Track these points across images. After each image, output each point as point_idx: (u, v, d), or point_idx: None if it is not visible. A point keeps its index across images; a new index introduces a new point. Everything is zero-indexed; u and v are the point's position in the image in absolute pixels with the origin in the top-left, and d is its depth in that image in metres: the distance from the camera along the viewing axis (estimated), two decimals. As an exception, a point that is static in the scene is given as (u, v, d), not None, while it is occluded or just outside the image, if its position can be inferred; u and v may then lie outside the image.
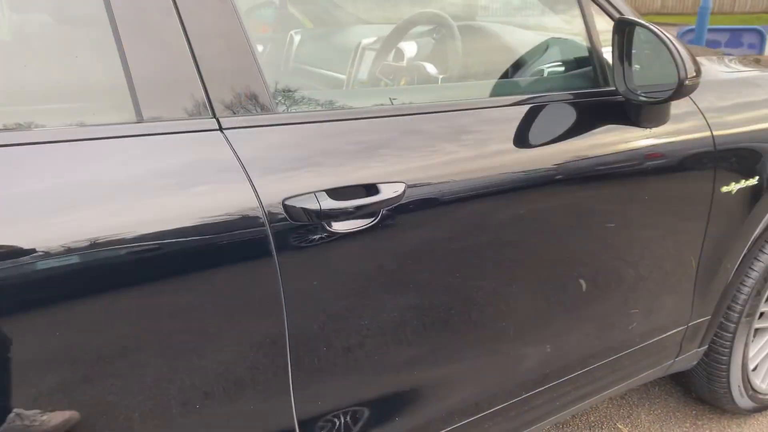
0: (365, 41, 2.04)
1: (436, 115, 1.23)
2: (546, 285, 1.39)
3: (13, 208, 0.82)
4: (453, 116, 1.25)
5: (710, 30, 12.44)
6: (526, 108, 1.34)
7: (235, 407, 1.03)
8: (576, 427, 2.06)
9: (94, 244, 0.84)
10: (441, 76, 1.65)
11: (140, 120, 0.93)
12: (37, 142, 0.87)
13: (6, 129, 0.88)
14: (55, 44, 1.01)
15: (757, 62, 2.07)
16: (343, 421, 1.15)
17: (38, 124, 0.90)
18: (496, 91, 1.48)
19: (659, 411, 2.15)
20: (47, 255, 0.81)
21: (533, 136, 1.32)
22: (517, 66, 1.55)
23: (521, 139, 1.30)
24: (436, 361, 1.26)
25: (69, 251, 0.83)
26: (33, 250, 0.81)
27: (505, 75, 1.54)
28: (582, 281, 1.45)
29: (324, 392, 1.12)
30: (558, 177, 1.31)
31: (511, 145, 1.28)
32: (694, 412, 2.14)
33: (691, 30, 11.87)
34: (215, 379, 0.99)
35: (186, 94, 0.96)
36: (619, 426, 2.08)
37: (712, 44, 12.17)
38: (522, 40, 1.65)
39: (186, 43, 0.97)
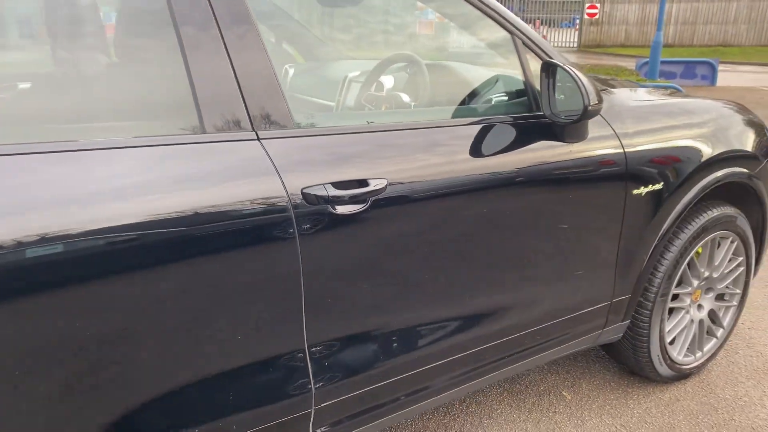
0: (351, 74, 2.48)
1: (410, 132, 1.66)
2: (497, 263, 1.82)
3: (123, 189, 1.22)
4: (424, 133, 1.68)
5: (666, 62, 13.23)
6: (479, 127, 1.77)
7: (267, 333, 1.43)
8: (528, 395, 2.48)
9: (182, 217, 1.24)
10: (413, 103, 2.08)
11: (203, 131, 1.34)
12: (137, 146, 1.28)
13: (115, 136, 1.28)
14: (146, 73, 1.43)
15: (663, 93, 2.56)
16: (337, 346, 1.55)
17: (137, 133, 1.30)
18: (456, 114, 1.92)
19: (597, 381, 2.57)
20: (150, 225, 1.21)
21: (485, 148, 1.75)
22: (473, 95, 1.99)
23: (475, 151, 1.73)
24: (405, 311, 1.66)
25: (161, 223, 1.22)
26: (139, 222, 1.20)
27: (464, 102, 1.98)
28: (524, 261, 1.88)
29: (325, 327, 1.52)
30: (502, 179, 1.74)
31: (467, 155, 1.70)
32: (626, 382, 2.57)
33: (647, 62, 12.63)
34: (258, 313, 1.39)
35: (234, 113, 1.38)
36: (564, 393, 2.50)
37: (668, 75, 12.95)
38: (476, 76, 2.09)
39: (233, 75, 1.39)
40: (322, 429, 1.58)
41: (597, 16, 26.61)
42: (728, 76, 15.10)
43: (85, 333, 1.19)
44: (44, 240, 1.11)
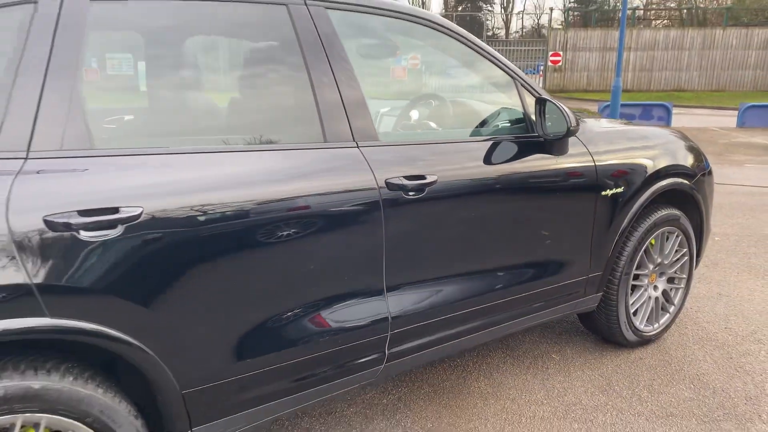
0: (382, 110, 3.21)
1: (447, 145, 2.37)
2: (500, 245, 2.52)
3: (279, 176, 1.89)
4: (455, 146, 2.39)
5: (626, 105, 14.40)
6: (489, 143, 2.49)
7: (361, 278, 2.09)
8: (525, 357, 3.15)
9: (317, 194, 1.92)
10: (440, 128, 2.80)
11: (326, 140, 2.03)
12: (286, 149, 1.96)
13: (270, 143, 1.97)
14: (292, 102, 2.11)
15: (622, 122, 3.34)
16: (405, 290, 2.22)
17: (287, 140, 1.99)
18: (473, 134, 2.63)
19: (579, 347, 3.26)
20: (294, 201, 1.88)
21: (494, 158, 2.46)
22: (484, 122, 2.72)
23: (487, 160, 2.44)
24: (447, 268, 2.34)
25: (302, 199, 1.90)
26: (289, 198, 1.88)
27: (479, 126, 2.70)
28: (514, 247, 2.58)
29: (397, 275, 2.18)
30: (507, 180, 2.45)
31: (481, 162, 2.41)
32: (600, 347, 3.26)
33: (609, 105, 13.75)
34: (356, 263, 2.06)
35: (342, 127, 2.07)
36: (553, 355, 3.18)
37: (628, 117, 14.09)
38: (486, 108, 2.82)
39: (342, 104, 2.09)
40: (394, 349, 2.24)
41: (560, 64, 28.18)
42: (683, 118, 16.35)
43: (256, 270, 1.85)
44: (225, 208, 1.77)
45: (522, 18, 57.31)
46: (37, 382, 1.52)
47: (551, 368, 3.06)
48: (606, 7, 53.82)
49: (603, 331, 3.20)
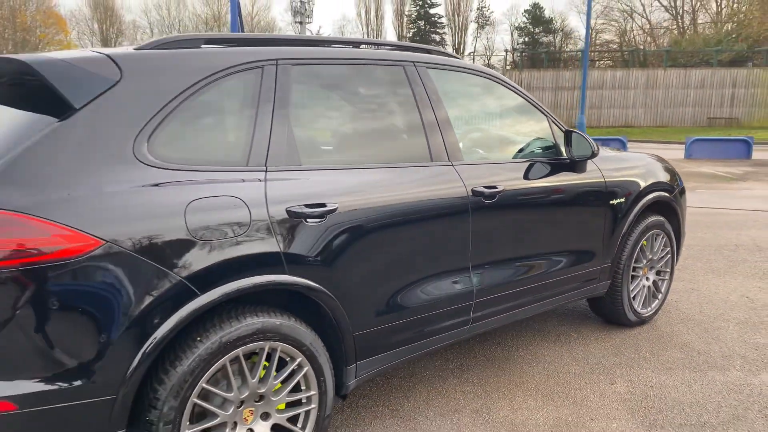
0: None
1: (502, 164, 3.21)
2: (544, 238, 3.36)
3: (417, 186, 2.69)
4: (507, 165, 3.23)
5: (585, 140, 15.61)
6: (527, 164, 3.33)
7: (454, 259, 2.88)
8: (550, 335, 3.98)
9: (429, 199, 2.73)
10: (489, 154, 3.64)
11: (431, 161, 2.84)
12: (414, 167, 2.77)
13: (416, 161, 2.77)
14: (413, 137, 2.91)
15: (616, 149, 4.26)
16: (484, 269, 3.01)
17: (410, 161, 2.79)
18: (515, 157, 3.48)
19: (590, 328, 4.11)
20: (415, 203, 2.68)
21: (532, 175, 3.30)
22: (523, 148, 3.57)
23: (527, 176, 3.28)
24: (508, 253, 3.16)
25: (421, 203, 2.70)
26: (414, 201, 2.67)
27: (519, 151, 3.55)
28: (554, 241, 3.43)
29: (479, 258, 2.97)
30: (543, 191, 3.30)
31: (522, 179, 3.25)
32: (608, 327, 4.12)
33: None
34: (452, 248, 2.85)
35: (441, 153, 2.89)
36: (572, 334, 4.02)
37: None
38: (526, 139, 3.68)
39: (440, 134, 2.91)
40: (476, 314, 3.03)
41: (517, 102, 29.69)
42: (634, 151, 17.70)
43: (396, 247, 2.63)
44: (382, 204, 2.55)
45: (473, 59, 59.66)
46: (278, 320, 2.27)
47: (573, 342, 3.89)
48: (552, 48, 56.66)
49: (609, 313, 4.06)
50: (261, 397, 2.29)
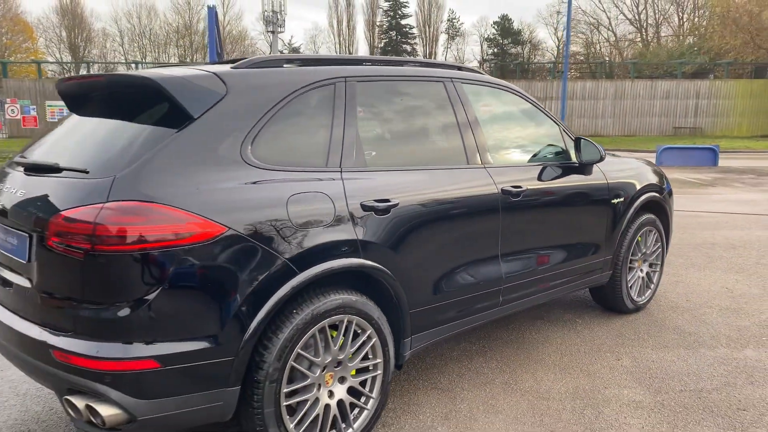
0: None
1: (522, 167, 3.66)
2: (555, 233, 3.82)
3: (455, 185, 3.13)
4: (525, 168, 3.68)
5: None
6: (544, 167, 3.79)
7: (486, 248, 3.31)
8: (557, 322, 4.44)
9: (469, 196, 3.16)
10: (511, 158, 4.09)
11: (468, 164, 3.28)
12: (450, 168, 3.20)
13: (451, 164, 3.20)
14: (452, 142, 3.34)
15: (613, 155, 4.77)
16: (512, 257, 3.45)
17: (449, 163, 3.23)
18: (531, 161, 3.92)
19: (592, 315, 4.59)
20: (448, 200, 3.12)
21: (545, 176, 3.76)
22: (538, 153, 4.02)
23: (541, 178, 3.74)
24: (530, 244, 3.61)
25: (459, 200, 3.13)
26: (446, 199, 3.11)
27: (534, 155, 4.00)
28: (566, 234, 3.90)
29: (507, 247, 3.41)
30: (558, 191, 3.77)
31: (537, 180, 3.71)
32: (608, 314, 4.60)
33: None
34: (484, 238, 3.29)
35: (476, 157, 3.33)
36: (577, 320, 4.48)
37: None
38: (540, 145, 4.12)
39: (474, 140, 3.35)
40: (504, 297, 3.46)
41: (491, 112, 30.45)
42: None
43: (441, 236, 3.05)
44: (431, 199, 2.98)
45: (446, 69, 60.34)
46: (354, 297, 2.67)
47: (578, 326, 4.36)
48: (521, 60, 57.91)
49: (609, 301, 4.53)
50: (339, 363, 2.68)
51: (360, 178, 2.76)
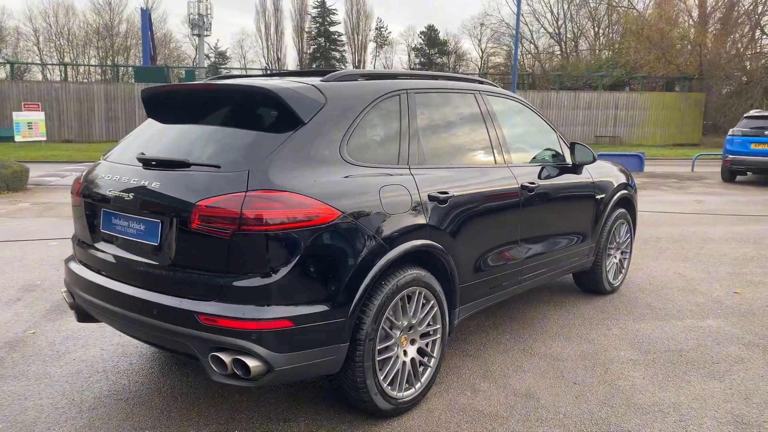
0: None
1: (528, 167, 4.31)
2: (557, 222, 4.48)
3: (479, 183, 3.72)
4: (534, 168, 4.34)
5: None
6: (546, 167, 4.46)
7: (509, 233, 3.92)
8: (549, 303, 5.12)
9: (498, 189, 3.77)
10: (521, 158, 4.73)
11: (495, 164, 3.89)
12: (481, 167, 3.80)
13: (479, 163, 3.80)
14: (482, 145, 3.93)
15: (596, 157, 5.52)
16: (529, 241, 4.09)
17: (479, 163, 3.82)
18: (532, 162, 4.58)
19: (575, 297, 5.29)
20: (481, 193, 3.72)
21: (543, 176, 4.42)
22: (538, 155, 4.67)
23: (540, 177, 4.39)
24: (540, 232, 4.25)
25: (491, 194, 3.74)
26: (479, 192, 3.71)
27: (533, 158, 4.66)
28: (565, 224, 4.58)
29: (525, 232, 4.04)
30: (561, 187, 4.44)
31: (537, 178, 4.36)
32: (588, 296, 5.31)
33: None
34: (508, 225, 3.91)
35: (502, 157, 3.94)
36: (563, 300, 5.18)
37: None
38: (540, 149, 4.77)
39: (500, 143, 3.96)
40: (523, 275, 4.09)
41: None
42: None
43: (478, 224, 3.64)
44: (477, 192, 3.57)
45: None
46: (423, 272, 3.22)
47: (567, 305, 5.05)
48: (447, 70, 59.56)
49: (591, 283, 5.26)
50: (411, 328, 3.22)
51: (424, 174, 3.31)
